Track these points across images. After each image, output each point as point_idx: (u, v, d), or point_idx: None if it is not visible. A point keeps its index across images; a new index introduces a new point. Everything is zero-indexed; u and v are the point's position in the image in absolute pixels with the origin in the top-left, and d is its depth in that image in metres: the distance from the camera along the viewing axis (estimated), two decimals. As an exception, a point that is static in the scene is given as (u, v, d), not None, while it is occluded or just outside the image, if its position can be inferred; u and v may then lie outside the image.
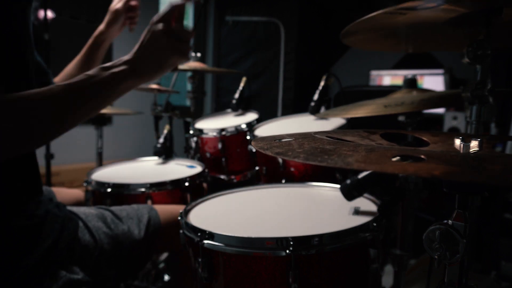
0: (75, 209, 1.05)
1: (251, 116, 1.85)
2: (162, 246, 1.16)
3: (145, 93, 2.42)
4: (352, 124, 1.48)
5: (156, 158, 1.71)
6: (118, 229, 1.04)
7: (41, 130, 0.73)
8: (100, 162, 2.21)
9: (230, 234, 0.79)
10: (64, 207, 1.02)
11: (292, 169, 1.40)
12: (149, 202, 1.30)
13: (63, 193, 1.40)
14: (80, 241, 0.96)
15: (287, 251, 0.75)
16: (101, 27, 1.37)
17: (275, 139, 0.63)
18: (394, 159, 0.45)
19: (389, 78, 3.55)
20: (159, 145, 1.67)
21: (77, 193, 1.47)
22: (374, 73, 3.59)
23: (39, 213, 0.89)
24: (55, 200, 1.01)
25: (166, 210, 1.17)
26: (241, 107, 1.93)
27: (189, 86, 2.12)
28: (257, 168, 1.57)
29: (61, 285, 0.85)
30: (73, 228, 0.97)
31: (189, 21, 3.98)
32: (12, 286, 0.81)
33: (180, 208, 0.91)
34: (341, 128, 1.47)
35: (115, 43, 3.04)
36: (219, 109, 3.77)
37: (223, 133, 1.67)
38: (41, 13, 2.02)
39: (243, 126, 1.65)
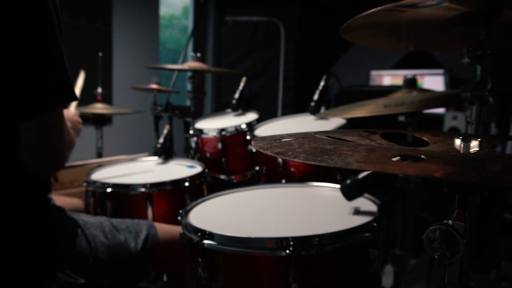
0: (74, 215, 1.05)
1: (251, 116, 1.85)
2: (160, 265, 1.16)
3: (145, 93, 2.42)
4: (352, 124, 1.48)
5: (156, 158, 1.71)
6: (115, 240, 1.04)
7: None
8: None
9: (230, 234, 0.79)
10: (64, 211, 1.03)
11: (292, 169, 1.40)
12: (149, 202, 1.30)
13: (62, 201, 1.40)
14: (77, 247, 0.96)
15: (287, 251, 0.75)
16: None
17: (275, 139, 0.63)
18: (394, 159, 0.45)
19: (389, 78, 3.55)
20: (159, 145, 1.67)
21: (76, 202, 1.47)
22: (374, 73, 3.59)
23: (45, 214, 0.90)
24: (54, 204, 1.02)
25: (166, 229, 1.16)
26: (241, 107, 1.92)
27: (189, 86, 2.12)
28: (257, 168, 1.57)
29: (61, 286, 0.86)
30: (71, 233, 0.97)
31: (189, 21, 3.98)
32: (14, 283, 0.82)
33: (179, 229, 0.92)
34: (341, 128, 1.47)
35: (115, 49, 3.05)
36: (219, 109, 3.77)
37: (223, 133, 1.67)
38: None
39: (243, 126, 1.65)
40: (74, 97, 0.84)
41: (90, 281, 0.95)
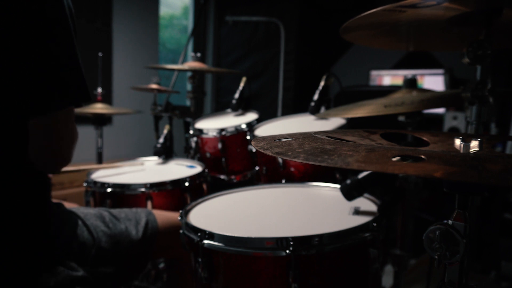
0: (74, 209, 1.06)
1: (251, 116, 1.85)
2: (160, 252, 1.17)
3: (145, 93, 2.42)
4: (352, 124, 1.48)
5: (156, 158, 1.71)
6: (116, 228, 1.05)
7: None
8: (100, 162, 2.21)
9: (230, 234, 0.79)
10: (62, 206, 1.03)
11: (292, 169, 1.40)
12: (149, 202, 1.30)
13: None
14: (79, 238, 0.97)
15: (287, 251, 0.75)
16: None
17: (275, 139, 0.63)
18: (394, 159, 0.45)
19: (389, 78, 3.55)
20: (159, 145, 1.67)
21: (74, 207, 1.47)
22: (374, 73, 3.59)
23: (44, 208, 0.91)
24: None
25: (164, 216, 1.18)
26: (241, 107, 1.92)
27: (189, 86, 2.12)
28: (257, 168, 1.57)
29: (60, 280, 0.86)
30: (72, 224, 0.98)
31: (189, 21, 3.98)
32: (11, 278, 0.82)
33: (177, 214, 0.92)
34: (341, 128, 1.47)
35: (115, 47, 3.05)
36: (219, 109, 3.77)
37: (223, 133, 1.67)
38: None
39: (243, 126, 1.65)
40: (87, 98, 0.85)
41: (93, 271, 0.95)
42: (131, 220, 1.10)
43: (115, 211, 1.12)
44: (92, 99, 2.16)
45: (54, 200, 1.05)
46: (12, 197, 0.83)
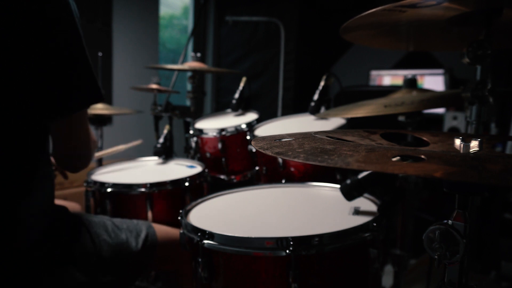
0: (78, 214, 1.06)
1: (251, 116, 1.85)
2: (158, 265, 1.18)
3: (145, 93, 2.42)
4: (352, 124, 1.48)
5: (156, 158, 1.71)
6: (117, 239, 1.06)
7: None
8: (100, 162, 2.21)
9: (230, 234, 0.79)
10: (66, 209, 1.03)
11: (292, 169, 1.40)
12: (149, 202, 1.30)
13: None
14: (81, 245, 0.97)
15: (287, 251, 0.75)
16: None
17: (275, 139, 0.63)
18: (394, 159, 0.45)
19: (389, 78, 3.54)
20: (159, 145, 1.67)
21: (74, 206, 1.48)
22: (374, 73, 3.59)
23: (48, 211, 0.91)
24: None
25: (163, 230, 1.18)
26: (241, 107, 1.92)
27: (189, 86, 2.12)
28: (257, 168, 1.57)
29: (62, 285, 0.86)
30: (75, 231, 0.98)
31: (189, 21, 3.98)
32: (12, 280, 0.82)
33: (176, 229, 0.94)
34: (341, 128, 1.47)
35: (115, 47, 3.05)
36: (219, 109, 3.77)
37: (223, 133, 1.67)
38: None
39: (243, 126, 1.65)
40: (101, 98, 0.89)
41: (93, 279, 0.95)
42: (132, 231, 1.10)
43: (117, 221, 1.12)
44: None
45: (57, 203, 1.06)
46: (17, 198, 0.83)
